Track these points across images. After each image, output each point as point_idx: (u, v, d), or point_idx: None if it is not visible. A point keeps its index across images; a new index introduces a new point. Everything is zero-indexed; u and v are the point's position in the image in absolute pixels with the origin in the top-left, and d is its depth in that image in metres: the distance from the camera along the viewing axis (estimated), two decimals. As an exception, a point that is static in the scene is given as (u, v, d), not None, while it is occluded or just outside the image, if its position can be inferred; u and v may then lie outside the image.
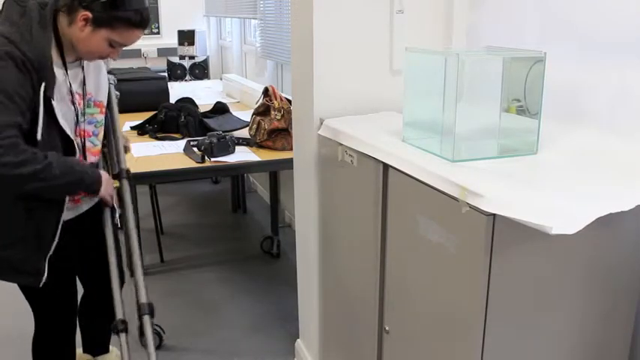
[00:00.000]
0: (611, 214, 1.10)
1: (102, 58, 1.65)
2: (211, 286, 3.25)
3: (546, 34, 1.68)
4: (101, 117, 1.76)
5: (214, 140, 2.71)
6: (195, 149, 2.80)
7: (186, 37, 5.78)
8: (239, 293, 3.18)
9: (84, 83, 1.68)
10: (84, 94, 1.68)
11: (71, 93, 1.62)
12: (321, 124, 1.88)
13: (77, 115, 1.64)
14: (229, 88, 4.60)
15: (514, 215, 1.08)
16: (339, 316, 1.97)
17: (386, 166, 1.50)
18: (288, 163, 2.55)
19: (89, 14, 1.51)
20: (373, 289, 1.65)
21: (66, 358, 1.94)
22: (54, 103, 1.52)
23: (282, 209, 4.14)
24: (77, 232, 1.81)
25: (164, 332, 2.70)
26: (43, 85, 1.47)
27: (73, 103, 1.63)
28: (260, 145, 2.89)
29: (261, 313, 2.97)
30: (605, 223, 1.16)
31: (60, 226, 1.65)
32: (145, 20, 1.59)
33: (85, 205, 1.83)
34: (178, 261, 3.56)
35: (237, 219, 4.31)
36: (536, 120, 1.40)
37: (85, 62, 1.69)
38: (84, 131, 1.70)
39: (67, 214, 1.69)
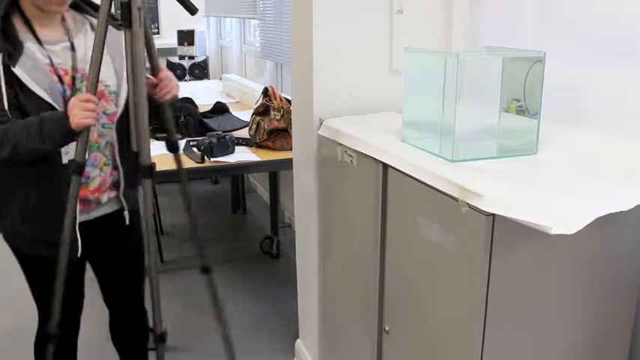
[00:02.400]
0: (610, 214, 1.10)
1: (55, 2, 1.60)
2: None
3: (546, 34, 1.68)
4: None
5: (214, 140, 2.71)
6: (194, 149, 2.80)
7: (186, 37, 5.78)
8: (239, 293, 3.18)
9: (73, 60, 1.65)
10: (74, 71, 1.64)
11: (53, 67, 1.58)
12: (321, 124, 1.88)
13: (64, 90, 1.61)
14: (229, 88, 4.60)
15: (513, 215, 1.08)
16: (339, 316, 1.97)
17: (385, 166, 1.50)
18: (288, 163, 2.55)
19: None
20: (373, 289, 1.65)
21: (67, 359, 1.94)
22: (15, 70, 1.51)
23: (281, 209, 4.14)
24: (93, 240, 1.76)
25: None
26: (0, 55, 1.50)
27: (60, 77, 1.60)
28: (260, 145, 2.89)
29: (260, 313, 2.97)
30: (605, 223, 1.16)
31: (77, 201, 1.62)
32: None
33: (96, 211, 1.76)
34: (178, 261, 3.56)
35: (237, 219, 4.31)
36: (536, 120, 1.40)
37: (76, 40, 1.65)
38: None
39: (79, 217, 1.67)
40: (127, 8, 1.45)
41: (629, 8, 1.43)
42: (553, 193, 1.15)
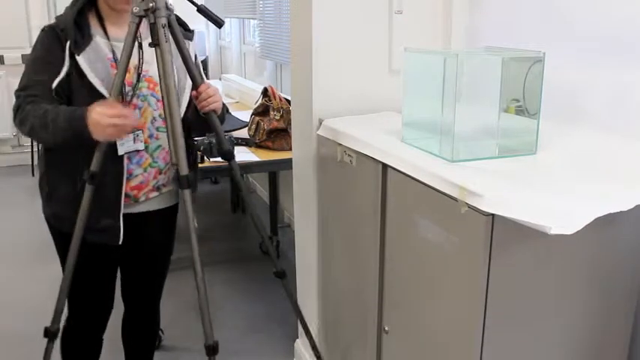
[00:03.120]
0: (610, 214, 1.10)
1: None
2: (210, 286, 3.24)
3: (545, 34, 1.69)
4: (147, 92, 1.71)
5: (213, 140, 2.71)
6: (194, 149, 2.80)
7: (185, 37, 5.77)
8: (238, 293, 3.17)
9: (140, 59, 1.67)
10: (137, 69, 1.66)
11: (115, 62, 1.64)
12: (321, 124, 1.88)
13: (124, 86, 1.64)
14: (228, 89, 4.60)
15: (513, 215, 1.08)
16: (339, 316, 1.97)
17: (385, 166, 1.50)
18: (288, 164, 2.55)
19: None
20: (372, 289, 1.65)
21: (93, 355, 1.94)
22: (79, 58, 1.58)
23: (281, 209, 4.14)
24: (134, 236, 1.79)
25: (163, 333, 2.70)
26: (68, 42, 1.58)
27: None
28: (259, 146, 2.89)
29: (260, 313, 2.97)
30: (604, 223, 1.16)
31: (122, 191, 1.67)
32: None
33: (145, 205, 1.78)
34: (177, 261, 3.54)
35: (237, 219, 4.31)
36: (535, 120, 1.40)
37: (145, 42, 1.63)
38: (134, 105, 1.68)
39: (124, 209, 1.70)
40: (154, 28, 1.51)
41: (629, 8, 1.43)
42: (552, 193, 1.15)
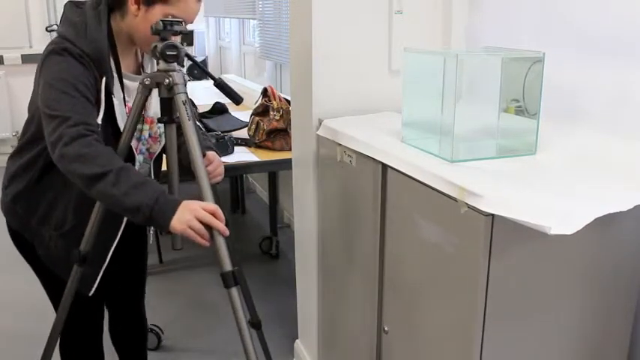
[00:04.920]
0: (610, 214, 1.10)
1: None
2: (210, 286, 3.24)
3: (545, 34, 1.69)
4: (146, 133, 1.67)
5: (213, 141, 2.71)
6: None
7: (185, 37, 5.76)
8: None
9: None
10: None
11: (125, 102, 1.55)
12: (320, 124, 1.88)
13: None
14: (228, 89, 4.59)
15: (513, 215, 1.08)
16: (338, 316, 1.97)
17: (385, 167, 1.50)
18: (287, 164, 2.55)
19: None
20: (372, 289, 1.65)
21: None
22: (115, 100, 1.48)
23: (281, 209, 4.14)
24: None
25: (163, 332, 2.70)
26: (104, 79, 1.45)
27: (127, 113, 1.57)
28: (259, 146, 2.89)
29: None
30: (604, 223, 1.16)
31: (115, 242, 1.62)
32: None
33: None
34: (177, 261, 3.55)
35: (236, 219, 4.31)
36: (535, 120, 1.40)
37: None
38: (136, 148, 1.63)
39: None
40: (168, 104, 1.41)
41: (629, 8, 1.43)
42: (552, 193, 1.15)
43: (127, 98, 1.56)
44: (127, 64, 1.58)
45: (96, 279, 1.65)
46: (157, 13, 1.46)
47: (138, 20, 1.48)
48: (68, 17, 1.51)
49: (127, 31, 1.53)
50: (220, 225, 1.35)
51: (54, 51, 1.43)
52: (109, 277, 1.87)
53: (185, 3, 1.48)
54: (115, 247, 1.71)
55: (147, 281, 2.05)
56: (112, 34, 1.52)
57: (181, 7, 1.48)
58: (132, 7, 1.47)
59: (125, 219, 1.64)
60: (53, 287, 1.71)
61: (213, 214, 1.35)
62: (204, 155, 1.53)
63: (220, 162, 1.67)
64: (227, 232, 1.37)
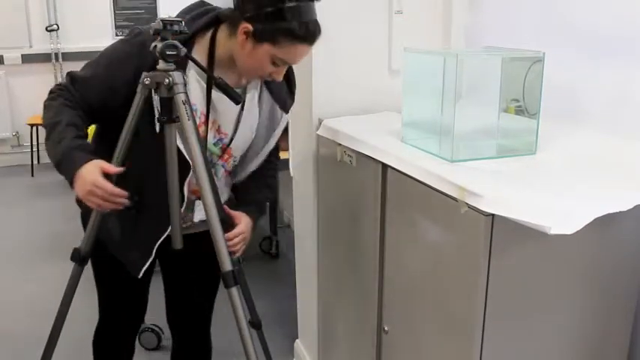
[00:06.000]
0: (610, 214, 1.10)
1: (262, 77, 1.50)
2: (210, 286, 3.24)
3: (545, 34, 1.69)
4: (218, 161, 1.59)
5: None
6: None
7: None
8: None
9: (238, 120, 1.56)
10: (219, 128, 1.54)
11: (191, 109, 1.44)
12: (320, 124, 1.88)
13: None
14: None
15: (513, 215, 1.08)
16: (338, 316, 1.97)
17: (385, 167, 1.50)
18: (287, 163, 2.55)
19: (250, 27, 1.37)
20: (372, 289, 1.65)
21: (125, 357, 1.87)
22: (155, 96, 1.42)
23: (280, 209, 4.14)
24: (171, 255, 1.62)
25: (163, 332, 2.69)
26: (144, 74, 1.40)
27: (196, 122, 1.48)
28: (259, 146, 2.88)
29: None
30: (604, 223, 1.16)
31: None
32: (310, 34, 1.39)
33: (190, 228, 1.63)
34: (177, 261, 3.55)
35: (236, 219, 4.30)
36: (535, 120, 1.40)
37: (247, 107, 1.55)
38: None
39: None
40: (168, 103, 1.39)
41: (629, 8, 1.43)
42: (552, 193, 1.15)
43: (201, 107, 1.50)
44: (228, 76, 1.50)
45: (145, 264, 1.57)
46: (264, 52, 1.39)
47: (243, 52, 1.42)
48: (185, 11, 1.52)
49: (229, 51, 1.46)
50: (109, 197, 1.33)
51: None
52: (176, 299, 1.83)
53: (295, 49, 1.40)
54: (185, 264, 1.70)
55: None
56: (213, 50, 1.48)
57: (290, 52, 1.41)
58: (240, 36, 1.40)
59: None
60: (101, 270, 1.68)
61: (108, 191, 1.33)
62: (232, 208, 1.53)
63: (246, 232, 1.56)
64: (109, 208, 1.36)
